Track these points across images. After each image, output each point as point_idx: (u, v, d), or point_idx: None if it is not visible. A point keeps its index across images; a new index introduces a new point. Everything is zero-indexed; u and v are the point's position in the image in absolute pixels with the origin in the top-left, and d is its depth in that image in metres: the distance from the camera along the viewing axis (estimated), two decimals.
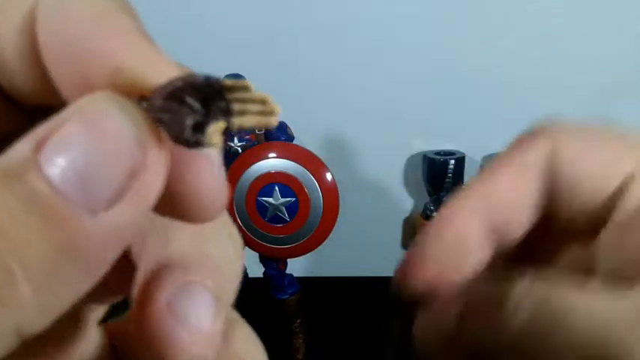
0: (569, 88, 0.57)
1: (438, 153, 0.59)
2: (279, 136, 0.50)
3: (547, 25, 0.55)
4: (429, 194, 0.60)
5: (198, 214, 0.10)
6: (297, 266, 0.58)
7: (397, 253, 0.68)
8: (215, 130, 0.08)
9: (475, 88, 0.58)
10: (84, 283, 0.08)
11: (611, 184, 0.13)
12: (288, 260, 0.54)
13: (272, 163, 0.48)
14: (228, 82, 0.09)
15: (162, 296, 0.10)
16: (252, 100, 0.09)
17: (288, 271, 0.55)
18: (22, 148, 0.08)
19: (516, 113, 0.59)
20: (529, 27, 0.55)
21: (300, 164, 0.48)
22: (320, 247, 0.51)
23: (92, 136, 0.08)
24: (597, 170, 0.14)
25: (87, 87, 0.09)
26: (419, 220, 0.61)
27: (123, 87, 0.09)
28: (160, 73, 0.09)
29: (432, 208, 0.59)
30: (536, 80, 0.57)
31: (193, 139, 0.08)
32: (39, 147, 0.08)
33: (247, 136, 0.50)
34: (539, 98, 0.58)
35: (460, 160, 0.57)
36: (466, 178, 0.59)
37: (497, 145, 0.61)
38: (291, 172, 0.48)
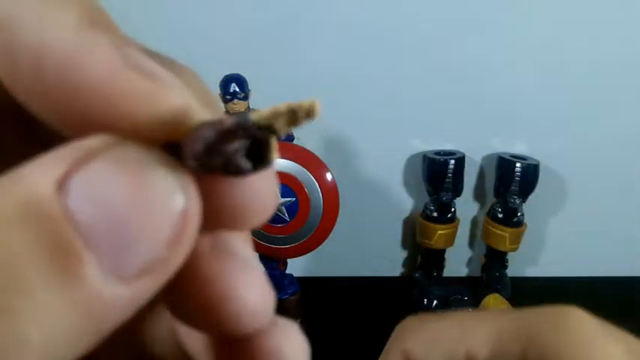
0: (569, 88, 0.57)
1: (438, 153, 0.59)
2: None
3: (547, 25, 0.55)
4: (429, 194, 0.60)
5: (244, 223, 0.09)
6: (297, 266, 0.58)
7: (397, 253, 0.69)
8: (271, 149, 0.08)
9: (475, 88, 0.58)
10: (85, 343, 0.07)
11: None
12: (288, 260, 0.54)
13: None
14: (256, 115, 0.08)
15: (204, 242, 0.09)
16: (284, 114, 0.08)
17: (288, 271, 0.55)
18: (41, 175, 0.07)
19: (516, 113, 0.59)
20: (529, 27, 0.55)
21: (300, 164, 0.48)
22: (320, 247, 0.51)
23: (134, 193, 0.07)
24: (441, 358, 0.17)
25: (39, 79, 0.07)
26: (419, 220, 0.61)
27: (139, 132, 0.07)
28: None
29: (431, 208, 0.59)
30: (536, 80, 0.57)
31: (250, 169, 0.08)
32: (66, 176, 0.07)
33: None
34: (539, 98, 0.58)
35: (460, 160, 0.57)
36: (466, 178, 0.59)
37: (497, 145, 0.61)
38: (291, 172, 0.48)
